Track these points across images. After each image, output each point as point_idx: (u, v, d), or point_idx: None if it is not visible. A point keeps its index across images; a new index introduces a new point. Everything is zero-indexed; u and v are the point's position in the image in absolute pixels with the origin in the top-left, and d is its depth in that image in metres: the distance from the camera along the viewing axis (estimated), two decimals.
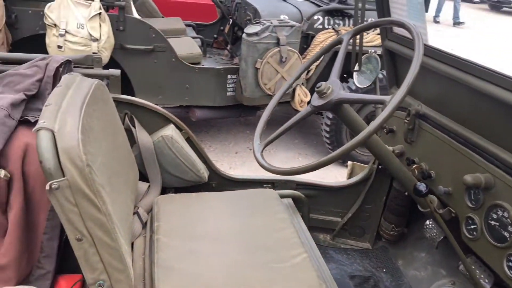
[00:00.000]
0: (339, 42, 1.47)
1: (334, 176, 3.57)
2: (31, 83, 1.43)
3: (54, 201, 0.97)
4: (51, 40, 2.78)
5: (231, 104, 3.63)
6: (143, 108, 1.72)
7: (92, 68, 1.67)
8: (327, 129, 3.60)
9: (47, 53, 2.71)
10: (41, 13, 2.80)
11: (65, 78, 1.33)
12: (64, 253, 1.34)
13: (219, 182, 1.91)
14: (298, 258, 1.35)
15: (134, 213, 1.51)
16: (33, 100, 1.41)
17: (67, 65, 1.56)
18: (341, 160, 3.62)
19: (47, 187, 0.95)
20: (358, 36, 1.71)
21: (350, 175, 2.10)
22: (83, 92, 1.26)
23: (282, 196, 1.81)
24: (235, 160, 3.82)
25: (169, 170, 1.74)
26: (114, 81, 1.67)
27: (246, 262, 1.32)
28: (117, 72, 1.66)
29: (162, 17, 4.43)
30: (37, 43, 2.80)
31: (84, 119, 1.12)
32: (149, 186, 1.69)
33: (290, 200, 1.87)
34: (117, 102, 1.65)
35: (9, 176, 1.24)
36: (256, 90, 3.38)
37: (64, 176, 0.97)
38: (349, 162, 2.12)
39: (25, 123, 1.33)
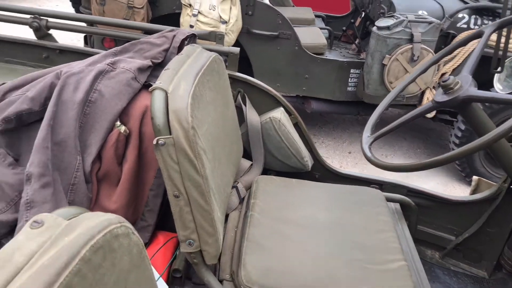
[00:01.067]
0: (478, 35, 1.33)
1: (448, 190, 3.26)
2: (158, 52, 1.58)
3: (159, 156, 1.07)
4: (185, 19, 3.05)
5: (350, 100, 3.56)
6: (256, 88, 1.79)
7: (215, 43, 1.80)
8: (457, 141, 3.29)
9: None
10: None
11: (186, 48, 1.45)
12: (165, 212, 1.47)
13: (323, 174, 1.89)
14: (395, 264, 1.28)
15: (233, 187, 1.58)
16: (158, 67, 1.57)
17: (192, 38, 1.70)
18: (464, 173, 3.29)
19: (154, 142, 1.06)
20: (504, 33, 1.53)
21: (474, 192, 1.90)
22: (201, 62, 1.36)
23: (389, 200, 1.72)
24: (348, 159, 3.74)
25: (273, 152, 1.78)
26: (232, 58, 1.76)
27: (335, 255, 1.29)
28: (236, 50, 1.75)
29: (293, 6, 4.52)
30: (172, 21, 3.09)
31: (197, 87, 1.21)
32: (251, 165, 1.76)
33: (397, 205, 1.76)
34: (232, 79, 1.74)
35: (128, 132, 1.41)
36: (379, 88, 3.25)
37: (170, 134, 1.06)
38: (475, 177, 1.92)
39: (148, 87, 1.49)
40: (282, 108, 1.80)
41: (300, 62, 3.41)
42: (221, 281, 1.23)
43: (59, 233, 0.55)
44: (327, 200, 1.58)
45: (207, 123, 1.25)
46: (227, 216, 1.49)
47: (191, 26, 2.99)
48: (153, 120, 1.06)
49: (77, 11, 3.38)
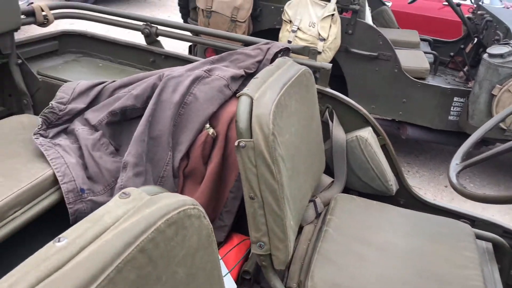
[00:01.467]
0: None
1: None
2: (251, 63, 1.69)
3: (238, 158, 1.14)
4: (284, 34, 3.17)
5: (451, 130, 3.37)
6: (345, 105, 1.80)
7: (308, 58, 1.86)
8: None
9: None
10: (281, 9, 3.21)
11: (278, 60, 1.53)
12: (242, 215, 1.55)
13: (408, 201, 1.83)
14: None
15: (311, 201, 1.61)
16: (250, 77, 1.67)
17: (285, 52, 1.78)
18: None
19: (236, 143, 1.14)
20: None
21: None
22: (290, 74, 1.42)
23: (481, 237, 1.61)
24: (443, 194, 3.53)
25: (356, 172, 1.78)
26: (324, 74, 1.81)
27: (409, 283, 1.25)
28: (328, 65, 1.79)
29: (398, 28, 4.45)
30: (271, 36, 3.22)
31: (282, 96, 1.27)
32: (332, 182, 1.77)
33: (489, 245, 1.64)
34: (321, 94, 1.78)
35: (215, 134, 1.52)
36: (485, 120, 3.04)
37: (251, 138, 1.13)
38: None
39: None
40: (370, 128, 1.80)
41: (399, 85, 3.33)
42: None
43: (141, 205, 0.64)
44: (410, 227, 1.53)
45: (289, 133, 1.30)
46: (301, 228, 1.52)
47: (289, 42, 3.10)
48: (237, 123, 1.15)
49: (185, 22, 3.69)
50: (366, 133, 1.76)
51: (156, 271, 0.60)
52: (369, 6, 3.88)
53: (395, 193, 1.79)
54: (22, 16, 1.74)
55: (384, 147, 1.80)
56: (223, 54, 1.75)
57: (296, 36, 3.10)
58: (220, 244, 1.50)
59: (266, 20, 3.38)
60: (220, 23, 3.19)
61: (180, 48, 5.84)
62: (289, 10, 3.17)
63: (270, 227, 1.17)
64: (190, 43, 3.84)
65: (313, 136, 1.57)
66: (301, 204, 1.43)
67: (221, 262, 1.41)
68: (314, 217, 1.59)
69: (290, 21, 3.17)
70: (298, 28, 3.12)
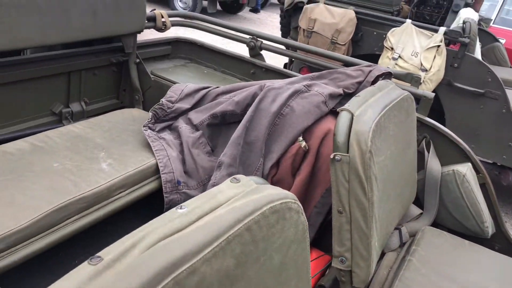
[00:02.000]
0: None
1: None
2: (351, 83, 1.74)
3: (332, 170, 1.19)
4: (383, 61, 3.18)
5: None
6: (445, 137, 1.78)
7: (410, 85, 1.87)
8: None
9: None
10: (384, 36, 3.23)
11: (380, 82, 1.56)
12: (324, 231, 1.59)
13: (504, 247, 1.74)
14: None
15: (396, 228, 1.60)
16: (348, 97, 1.72)
17: (387, 76, 1.81)
18: None
19: (331, 156, 1.19)
20: None
21: None
22: (391, 97, 1.45)
23: None
24: None
25: (448, 207, 1.73)
26: (425, 102, 1.80)
27: None
28: (431, 94, 1.79)
29: (511, 67, 4.23)
30: (370, 61, 3.25)
31: (383, 117, 1.31)
32: (421, 214, 1.74)
33: None
34: (420, 123, 1.77)
35: (307, 148, 1.58)
36: None
37: (348, 153, 1.18)
38: None
39: (335, 113, 1.65)
40: (470, 164, 1.75)
41: (505, 127, 3.16)
42: None
43: (249, 191, 0.72)
44: (504, 274, 1.46)
45: (384, 155, 1.33)
46: (383, 254, 1.52)
47: None
48: (335, 137, 1.20)
49: None
50: (465, 169, 1.72)
51: (256, 251, 0.67)
52: (479, 41, 3.76)
53: (490, 236, 1.71)
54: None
55: (483, 186, 1.74)
56: (323, 72, 1.83)
57: (396, 64, 3.09)
58: None
59: (366, 45, 3.41)
60: (319, 44, 3.29)
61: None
62: (392, 37, 3.18)
63: (354, 243, 1.20)
64: (286, 62, 3.99)
65: (407, 164, 1.57)
66: (387, 229, 1.43)
67: None
68: (398, 245, 1.58)
69: (392, 48, 3.17)
70: (400, 56, 3.11)
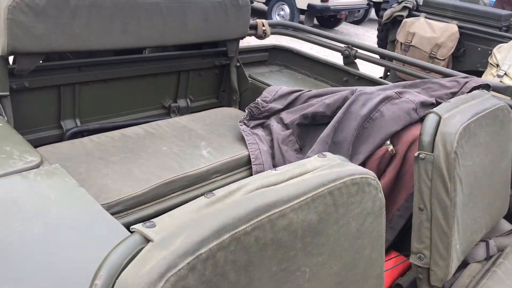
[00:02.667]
0: None
1: None
2: (445, 93, 1.79)
3: (416, 168, 1.28)
4: (487, 78, 3.11)
5: None
6: None
7: (510, 99, 1.87)
8: None
9: None
10: (489, 52, 3.16)
11: (475, 92, 1.60)
12: (405, 234, 1.65)
13: None
14: None
15: (483, 240, 1.61)
16: None
17: (485, 88, 1.82)
18: None
19: (415, 154, 1.27)
20: None
21: None
22: (485, 105, 1.49)
23: None
24: None
25: None
26: None
27: None
28: None
29: None
30: None
31: (472, 123, 1.36)
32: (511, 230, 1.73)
33: None
34: None
35: (394, 152, 1.67)
36: None
37: (432, 152, 1.26)
38: None
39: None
40: None
41: None
42: None
43: (334, 164, 0.86)
44: None
45: (472, 161, 1.37)
46: (467, 264, 1.54)
47: None
48: (421, 136, 1.28)
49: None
50: None
51: (336, 214, 0.80)
52: None
53: None
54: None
55: None
56: (416, 81, 1.90)
57: (501, 81, 3.01)
58: None
59: (468, 61, 3.36)
60: (417, 58, 3.31)
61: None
62: (498, 54, 3.10)
63: (434, 241, 1.27)
64: (380, 76, 4.04)
65: (499, 175, 1.59)
66: (472, 238, 1.46)
67: None
68: (484, 258, 1.59)
69: (497, 65, 3.09)
70: (505, 73, 3.02)
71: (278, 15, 8.73)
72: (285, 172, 0.80)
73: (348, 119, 1.71)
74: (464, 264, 1.51)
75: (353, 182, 0.84)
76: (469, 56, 3.34)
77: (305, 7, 8.41)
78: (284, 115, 1.89)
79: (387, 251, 1.64)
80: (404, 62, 2.18)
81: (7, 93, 1.43)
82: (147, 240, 0.58)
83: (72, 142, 1.60)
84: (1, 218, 0.94)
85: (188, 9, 1.74)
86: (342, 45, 2.27)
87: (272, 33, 2.36)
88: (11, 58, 1.51)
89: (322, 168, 0.84)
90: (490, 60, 3.15)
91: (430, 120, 1.30)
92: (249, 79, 2.21)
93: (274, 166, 1.74)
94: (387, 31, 3.80)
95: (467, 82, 1.82)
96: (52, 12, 1.37)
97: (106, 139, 1.63)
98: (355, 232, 0.85)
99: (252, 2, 9.55)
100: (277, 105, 1.92)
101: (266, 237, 0.68)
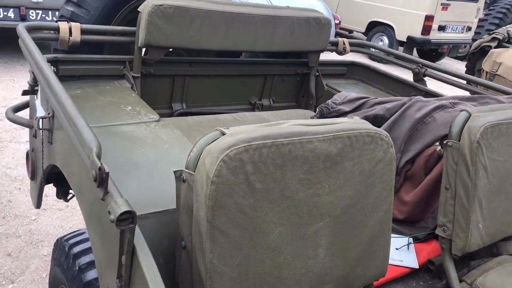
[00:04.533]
0: None
1: None
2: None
3: (444, 153, 1.57)
4: None
5: None
6: None
7: None
8: None
9: None
10: None
11: None
12: None
13: None
14: None
15: None
16: None
17: None
18: None
19: (444, 142, 1.58)
20: None
21: None
22: None
23: None
24: None
25: None
26: None
27: None
28: None
29: None
30: None
31: (505, 124, 1.62)
32: None
33: None
34: None
35: (441, 153, 1.96)
36: None
37: (459, 141, 1.56)
38: None
39: None
40: None
41: None
42: (460, 281, 1.58)
43: (356, 121, 1.24)
44: None
45: (504, 158, 1.64)
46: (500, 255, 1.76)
47: None
48: (450, 128, 1.58)
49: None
50: None
51: (352, 153, 1.16)
52: None
53: None
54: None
55: None
56: (474, 95, 2.17)
57: None
58: (417, 240, 1.91)
59: None
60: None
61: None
62: None
63: (456, 216, 1.55)
64: None
65: None
66: (503, 228, 1.69)
67: (412, 247, 1.83)
68: None
69: None
70: None
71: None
72: (320, 121, 1.20)
73: (403, 121, 2.04)
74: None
75: (368, 134, 1.21)
76: None
77: (404, 39, 8.63)
78: (350, 116, 2.27)
79: (429, 239, 1.91)
80: (480, 84, 2.43)
81: (139, 75, 2.00)
82: (223, 133, 1.03)
83: (178, 118, 2.13)
84: (131, 147, 1.45)
85: (277, 23, 2.21)
86: (413, 65, 2.60)
87: (352, 51, 2.76)
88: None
89: (347, 122, 1.23)
90: None
91: (461, 116, 1.60)
92: (325, 87, 2.62)
93: None
94: (475, 61, 3.99)
95: None
96: (177, 18, 1.92)
97: (203, 120, 2.13)
98: (368, 171, 1.22)
99: (351, 32, 9.97)
100: (345, 108, 2.30)
101: (297, 152, 1.09)
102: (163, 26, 1.89)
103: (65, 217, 3.00)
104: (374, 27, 9.15)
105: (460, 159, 1.54)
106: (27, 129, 2.79)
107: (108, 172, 0.91)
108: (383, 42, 8.93)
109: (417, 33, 8.50)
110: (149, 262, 0.90)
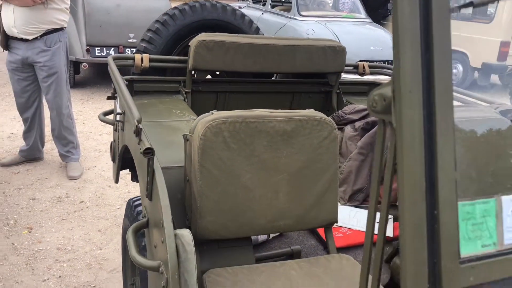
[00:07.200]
0: None
1: None
2: None
3: None
4: None
5: None
6: None
7: None
8: None
9: None
10: None
11: None
12: None
13: None
14: None
15: None
16: None
17: None
18: None
19: None
20: None
21: None
22: None
23: None
24: None
25: None
26: None
27: None
28: None
29: None
30: None
31: None
32: None
33: None
34: None
35: None
36: None
37: None
38: None
39: None
40: None
41: None
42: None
43: (309, 112, 1.89)
44: None
45: None
46: None
47: None
48: None
49: None
50: None
51: (304, 131, 1.77)
52: None
53: None
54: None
55: None
56: None
57: None
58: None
59: None
60: None
61: None
62: None
63: None
64: None
65: None
66: None
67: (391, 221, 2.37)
68: None
69: None
70: None
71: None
72: (283, 110, 1.88)
73: None
74: None
75: (315, 119, 1.85)
76: None
77: (479, 66, 8.77)
78: (357, 123, 2.88)
79: None
80: None
81: (190, 91, 2.80)
82: (212, 114, 1.75)
83: None
84: (171, 132, 2.23)
85: (296, 50, 2.90)
86: None
87: (371, 73, 3.36)
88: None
89: (302, 112, 1.89)
90: None
91: None
92: (345, 102, 3.24)
93: (341, 155, 2.72)
94: None
95: None
96: (215, 49, 2.70)
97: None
98: (316, 144, 1.86)
99: None
100: (354, 117, 2.91)
101: (261, 128, 1.77)
102: (205, 55, 2.68)
103: None
104: None
105: None
106: None
107: (141, 128, 1.67)
108: (457, 69, 9.14)
109: (492, 58, 8.62)
110: (160, 178, 1.62)
